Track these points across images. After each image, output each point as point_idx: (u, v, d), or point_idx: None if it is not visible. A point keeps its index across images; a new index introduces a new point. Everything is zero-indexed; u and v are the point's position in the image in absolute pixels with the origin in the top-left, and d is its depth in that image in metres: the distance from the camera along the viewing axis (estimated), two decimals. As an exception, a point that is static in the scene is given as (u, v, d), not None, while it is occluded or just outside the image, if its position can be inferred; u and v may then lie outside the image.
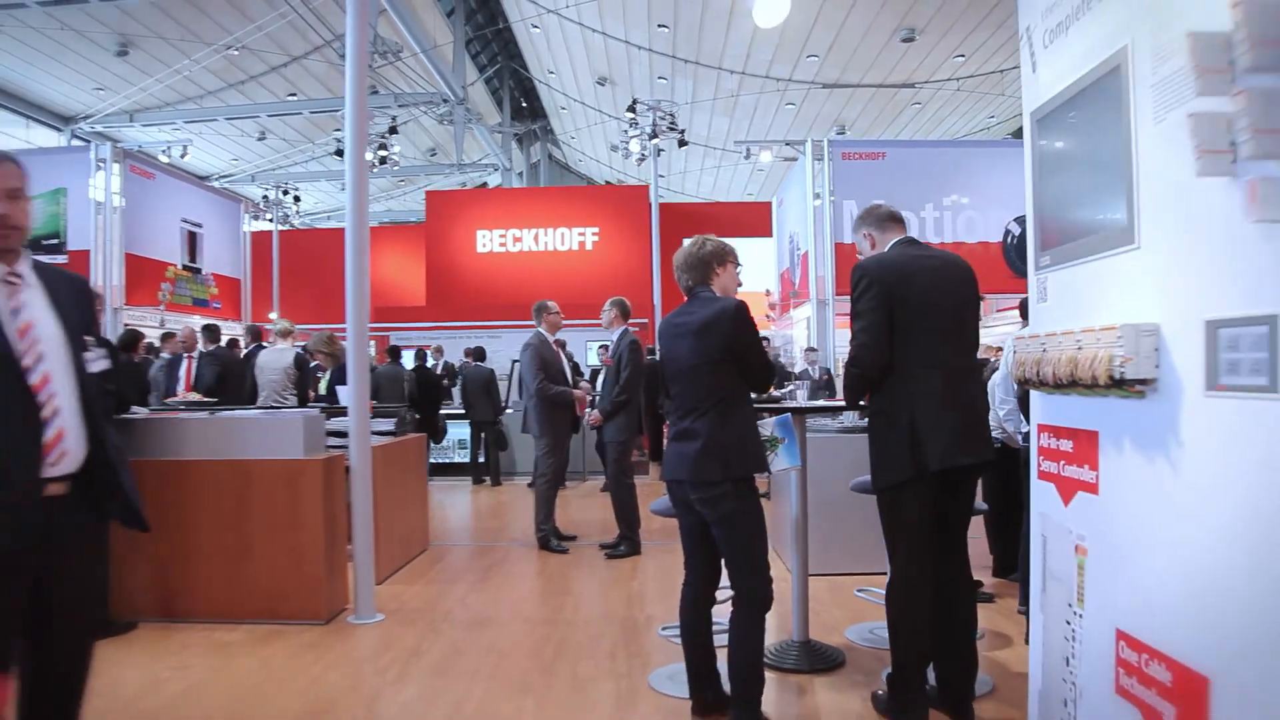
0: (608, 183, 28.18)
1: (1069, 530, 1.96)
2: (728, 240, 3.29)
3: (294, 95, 22.66)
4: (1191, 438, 1.52)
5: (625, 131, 11.92)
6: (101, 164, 10.38)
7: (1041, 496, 2.11)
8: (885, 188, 8.84)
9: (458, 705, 3.40)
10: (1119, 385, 1.64)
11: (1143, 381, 1.61)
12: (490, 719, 3.29)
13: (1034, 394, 2.12)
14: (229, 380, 6.74)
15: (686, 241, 3.27)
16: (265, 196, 16.02)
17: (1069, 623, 1.95)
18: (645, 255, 12.99)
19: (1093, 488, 1.86)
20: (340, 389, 6.04)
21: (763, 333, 13.25)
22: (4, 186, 2.17)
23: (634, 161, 12.44)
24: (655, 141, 11.80)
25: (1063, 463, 2.00)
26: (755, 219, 13.68)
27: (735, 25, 16.22)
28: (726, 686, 3.10)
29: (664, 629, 4.23)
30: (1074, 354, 1.75)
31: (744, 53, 18.09)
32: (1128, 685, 1.69)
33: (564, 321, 6.55)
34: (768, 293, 12.98)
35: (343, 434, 4.79)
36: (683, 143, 12.10)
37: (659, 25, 17.05)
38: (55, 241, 10.53)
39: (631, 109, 11.69)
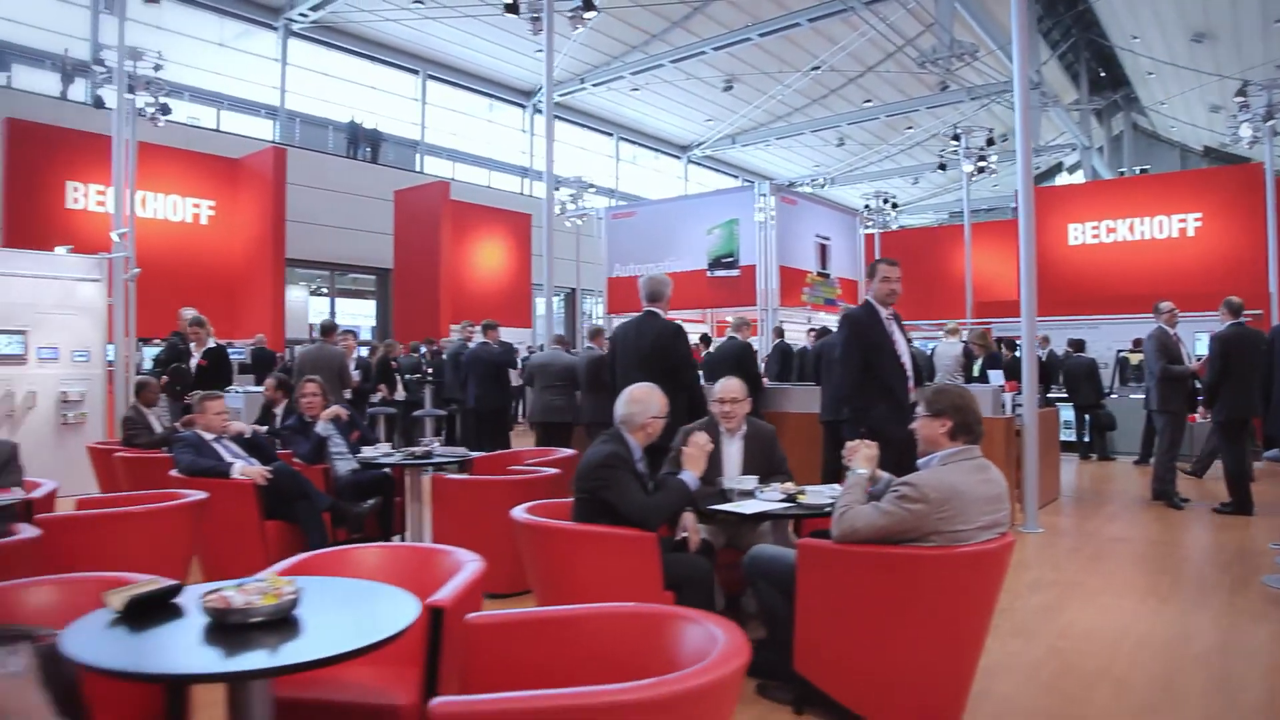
0: (1206, 148, 27.01)
1: None
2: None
3: (869, 102, 26.45)
4: None
5: (1234, 116, 12.58)
6: (761, 197, 14.59)
7: None
8: None
9: (1112, 572, 5.90)
10: None
11: None
12: (1137, 584, 5.69)
13: None
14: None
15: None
16: (866, 205, 19.67)
17: None
18: (1259, 240, 13.11)
19: None
20: (991, 372, 8.79)
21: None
22: (897, 276, 5.26)
23: (1245, 145, 12.95)
24: (1270, 124, 12.17)
25: None
26: None
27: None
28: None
29: (1274, 544, 6.17)
30: None
31: None
32: None
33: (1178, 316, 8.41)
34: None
35: (1002, 404, 7.52)
36: (1299, 126, 12.36)
37: (1279, -43, 16.74)
38: (731, 259, 14.93)
39: (1241, 93, 12.32)
